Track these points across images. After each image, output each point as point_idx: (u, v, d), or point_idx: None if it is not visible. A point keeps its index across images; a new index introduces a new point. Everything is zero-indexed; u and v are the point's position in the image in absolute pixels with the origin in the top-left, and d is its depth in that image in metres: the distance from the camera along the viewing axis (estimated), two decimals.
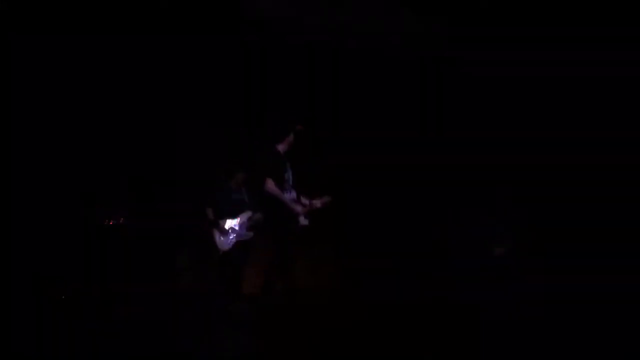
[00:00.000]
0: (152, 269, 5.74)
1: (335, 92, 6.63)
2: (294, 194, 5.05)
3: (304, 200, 5.13)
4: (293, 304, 5.02)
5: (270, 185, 4.82)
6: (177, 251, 6.17)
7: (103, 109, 5.92)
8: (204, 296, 5.87)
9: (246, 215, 5.90)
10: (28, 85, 5.51)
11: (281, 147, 5.03)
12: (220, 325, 5.07)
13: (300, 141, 5.10)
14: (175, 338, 4.50)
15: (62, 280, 5.18)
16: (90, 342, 4.29)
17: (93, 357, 4.08)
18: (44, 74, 5.59)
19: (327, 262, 6.59)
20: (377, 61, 6.67)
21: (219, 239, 5.83)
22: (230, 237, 5.83)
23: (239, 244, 5.84)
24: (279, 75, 6.49)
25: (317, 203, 5.14)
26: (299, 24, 6.30)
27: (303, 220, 4.99)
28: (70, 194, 5.60)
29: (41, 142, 5.53)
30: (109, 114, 5.94)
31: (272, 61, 6.43)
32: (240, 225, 5.87)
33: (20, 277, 5.04)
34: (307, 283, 5.62)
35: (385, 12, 6.52)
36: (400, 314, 4.79)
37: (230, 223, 5.87)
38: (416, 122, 6.81)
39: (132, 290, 5.49)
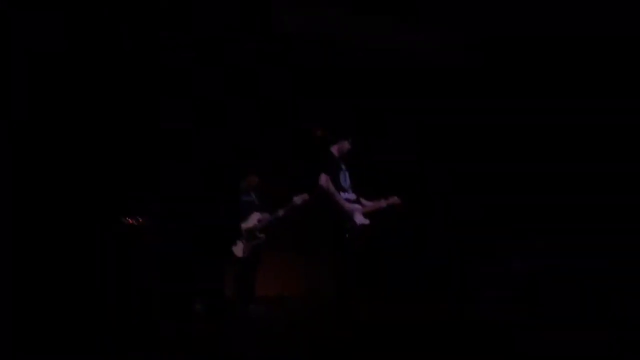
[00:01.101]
0: (170, 272, 5.62)
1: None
2: (351, 196, 5.04)
3: (365, 202, 5.14)
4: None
5: (324, 180, 4.80)
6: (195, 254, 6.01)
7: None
8: (222, 302, 5.90)
9: (255, 217, 5.87)
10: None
11: (335, 150, 5.07)
12: (240, 329, 5.16)
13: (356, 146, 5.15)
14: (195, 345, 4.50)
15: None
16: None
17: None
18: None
19: None
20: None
21: (232, 246, 5.81)
22: (245, 243, 5.79)
23: (251, 248, 5.80)
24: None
25: (383, 203, 5.13)
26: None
27: (361, 219, 4.96)
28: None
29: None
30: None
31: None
32: (251, 228, 5.84)
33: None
34: None
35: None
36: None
37: (243, 227, 5.84)
38: None
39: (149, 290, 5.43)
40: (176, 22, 6.00)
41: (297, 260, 6.68)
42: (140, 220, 5.44)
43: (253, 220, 5.85)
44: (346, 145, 5.11)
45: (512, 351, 4.12)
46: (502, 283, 5.95)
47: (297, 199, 5.71)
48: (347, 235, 4.88)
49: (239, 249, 5.78)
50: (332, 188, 4.80)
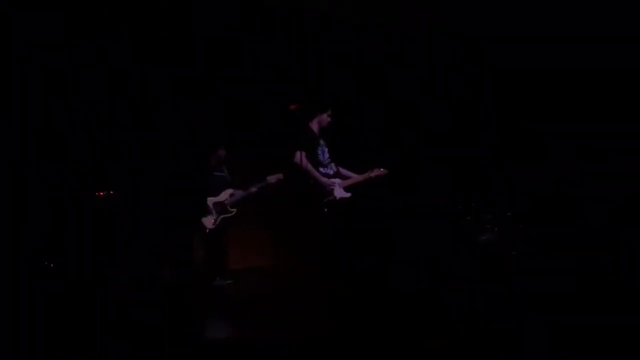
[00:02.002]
0: (139, 244, 5.81)
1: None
2: (330, 170, 5.12)
3: (345, 173, 5.20)
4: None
5: (298, 157, 4.91)
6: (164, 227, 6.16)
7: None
8: (190, 273, 6.00)
9: (227, 192, 5.99)
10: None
11: (314, 125, 5.15)
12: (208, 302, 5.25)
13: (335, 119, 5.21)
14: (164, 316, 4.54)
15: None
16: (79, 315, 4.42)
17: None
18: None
19: None
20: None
21: (203, 218, 5.92)
22: (214, 215, 5.91)
23: (222, 221, 5.92)
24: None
25: (367, 175, 5.14)
26: None
27: (341, 193, 5.03)
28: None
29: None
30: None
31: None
32: (223, 202, 5.95)
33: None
34: None
35: None
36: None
37: (214, 201, 5.95)
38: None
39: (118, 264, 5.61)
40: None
41: (270, 235, 6.74)
42: (112, 192, 5.68)
43: (225, 194, 5.98)
44: (325, 118, 5.17)
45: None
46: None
47: (271, 178, 5.85)
48: (325, 210, 4.95)
49: (209, 221, 5.92)
50: (305, 163, 4.87)
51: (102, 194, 5.67)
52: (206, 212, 5.93)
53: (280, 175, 5.84)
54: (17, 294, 4.84)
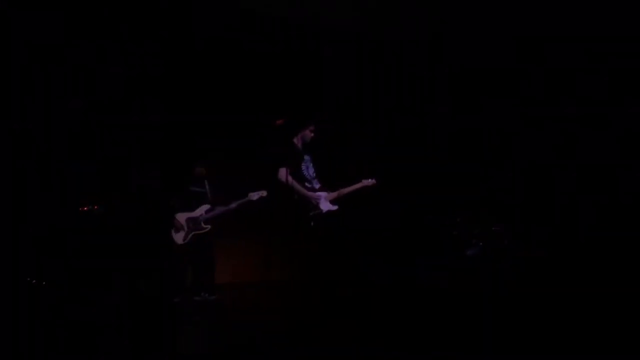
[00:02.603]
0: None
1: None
2: (315, 185, 5.18)
3: (330, 194, 5.23)
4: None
5: (282, 174, 4.93)
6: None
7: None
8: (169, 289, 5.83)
9: (203, 208, 5.88)
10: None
11: (297, 140, 5.20)
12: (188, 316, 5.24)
13: (319, 135, 5.26)
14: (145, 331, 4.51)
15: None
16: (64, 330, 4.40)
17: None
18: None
19: None
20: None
21: (174, 233, 5.83)
22: (186, 231, 5.81)
23: (195, 238, 5.81)
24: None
25: (353, 187, 5.25)
26: None
27: (327, 206, 5.11)
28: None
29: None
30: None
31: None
32: (197, 218, 5.85)
33: None
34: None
35: None
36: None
37: (187, 216, 5.85)
38: None
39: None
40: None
41: (258, 250, 6.71)
42: (95, 207, 5.67)
43: (200, 210, 5.87)
44: (308, 134, 5.22)
45: None
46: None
47: (253, 195, 5.74)
48: (312, 224, 5.04)
49: (179, 237, 5.82)
50: (289, 179, 4.92)
51: (85, 209, 5.65)
52: (177, 227, 5.84)
53: (263, 193, 5.72)
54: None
